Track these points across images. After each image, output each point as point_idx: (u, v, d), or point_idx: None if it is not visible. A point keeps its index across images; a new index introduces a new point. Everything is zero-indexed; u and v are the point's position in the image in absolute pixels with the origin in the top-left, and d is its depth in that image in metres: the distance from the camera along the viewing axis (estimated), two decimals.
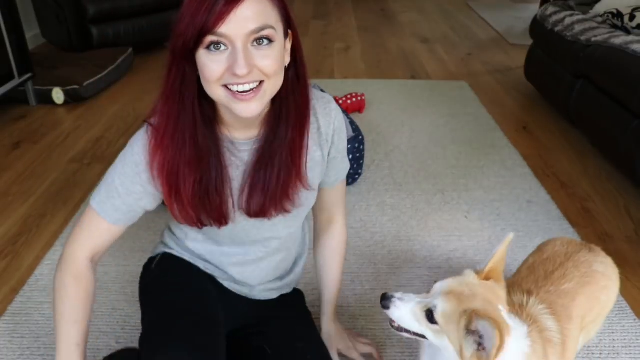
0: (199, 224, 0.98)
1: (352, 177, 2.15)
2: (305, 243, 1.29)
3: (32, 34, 3.87)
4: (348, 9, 5.43)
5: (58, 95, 2.96)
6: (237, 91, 0.83)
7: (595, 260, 1.17)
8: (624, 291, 1.57)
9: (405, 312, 0.92)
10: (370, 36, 4.44)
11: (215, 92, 0.85)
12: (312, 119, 1.02)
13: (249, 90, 0.84)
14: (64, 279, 1.02)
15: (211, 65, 0.82)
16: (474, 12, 5.20)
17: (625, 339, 1.46)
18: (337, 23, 4.88)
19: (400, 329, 0.96)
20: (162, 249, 1.19)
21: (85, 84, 2.99)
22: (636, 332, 1.48)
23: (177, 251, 1.17)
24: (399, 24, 4.86)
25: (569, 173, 2.33)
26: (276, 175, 0.97)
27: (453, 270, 1.73)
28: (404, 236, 1.89)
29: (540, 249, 1.26)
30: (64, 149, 2.52)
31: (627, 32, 2.46)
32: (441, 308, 0.88)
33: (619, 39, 2.27)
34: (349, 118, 2.26)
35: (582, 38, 2.49)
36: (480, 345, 0.85)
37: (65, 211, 2.03)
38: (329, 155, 1.09)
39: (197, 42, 0.81)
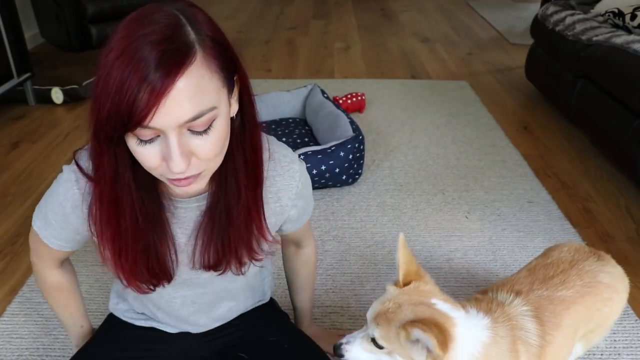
0: (148, 288, 0.90)
1: (352, 177, 2.14)
2: (265, 291, 1.20)
3: (31, 34, 3.87)
4: (348, 8, 5.42)
5: (57, 95, 2.96)
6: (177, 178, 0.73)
7: (602, 271, 1.14)
8: None
9: (357, 350, 0.96)
10: (371, 36, 4.44)
11: (154, 174, 0.75)
12: (270, 180, 0.92)
13: (189, 176, 0.73)
14: (47, 292, 1.09)
15: (144, 156, 0.70)
16: (475, 11, 5.19)
17: (626, 340, 1.46)
18: (337, 22, 4.87)
19: None
20: (111, 304, 1.17)
21: (84, 83, 2.99)
22: (637, 333, 1.48)
23: (120, 308, 1.14)
24: (399, 23, 4.86)
25: (569, 173, 2.32)
26: (234, 236, 0.87)
27: (453, 270, 1.72)
28: (405, 236, 1.88)
29: (545, 253, 1.24)
30: (63, 149, 2.52)
31: (629, 31, 2.45)
32: (377, 334, 0.91)
33: (620, 39, 2.26)
34: (349, 118, 2.26)
35: (583, 37, 2.48)
36: (428, 349, 0.87)
37: None
38: (288, 216, 1.00)
39: (122, 133, 0.68)
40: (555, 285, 1.10)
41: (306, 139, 2.39)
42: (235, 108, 0.78)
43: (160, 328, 1.10)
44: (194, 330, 1.09)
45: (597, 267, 1.15)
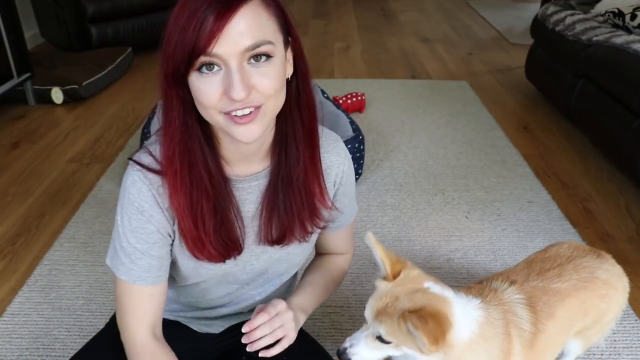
0: (222, 258, 0.89)
1: None
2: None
3: (31, 34, 3.87)
4: (348, 8, 5.42)
5: (57, 95, 2.96)
6: (236, 115, 0.75)
7: (600, 267, 1.15)
8: None
9: (364, 351, 0.96)
10: (371, 36, 4.44)
11: (213, 117, 0.77)
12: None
13: (248, 113, 0.75)
14: None
15: (205, 89, 0.74)
16: (475, 11, 5.19)
17: (626, 340, 1.46)
18: (337, 22, 4.87)
19: None
20: None
21: (84, 83, 2.99)
22: (637, 333, 1.48)
23: None
24: (399, 23, 4.86)
25: (569, 173, 2.32)
26: (297, 202, 0.89)
27: (453, 270, 1.72)
28: (405, 236, 1.89)
29: (545, 248, 1.25)
30: (63, 149, 2.52)
31: (629, 31, 2.45)
32: (383, 330, 0.91)
33: (620, 39, 2.26)
34: (349, 118, 2.26)
35: (583, 37, 2.48)
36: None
37: (64, 211, 2.02)
38: (334, 196, 0.99)
39: (188, 65, 0.72)
40: (551, 277, 1.11)
41: None
42: (290, 70, 0.82)
43: (184, 322, 1.08)
44: (212, 329, 1.08)
45: (595, 264, 1.16)
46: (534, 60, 3.02)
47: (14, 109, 2.91)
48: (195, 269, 0.92)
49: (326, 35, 4.43)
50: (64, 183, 2.22)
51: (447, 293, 0.95)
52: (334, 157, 0.96)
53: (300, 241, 0.95)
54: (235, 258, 0.91)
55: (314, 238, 1.00)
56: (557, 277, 1.11)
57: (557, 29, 2.70)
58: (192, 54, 0.71)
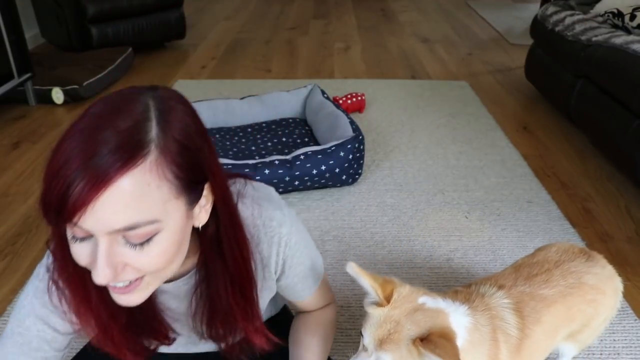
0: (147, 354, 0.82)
1: (352, 177, 2.14)
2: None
3: (32, 34, 3.87)
4: (348, 8, 5.43)
5: (57, 95, 2.96)
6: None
7: (588, 272, 1.14)
8: (624, 292, 1.56)
9: None
10: (371, 36, 4.44)
11: None
12: (253, 248, 0.82)
13: (127, 284, 0.64)
14: None
15: (75, 251, 0.62)
16: (474, 11, 5.19)
17: (625, 339, 1.46)
18: (337, 22, 4.87)
19: None
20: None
21: (84, 83, 2.99)
22: (637, 333, 1.48)
23: None
24: (399, 23, 4.86)
25: (569, 173, 2.32)
26: (227, 307, 0.79)
27: (453, 270, 1.72)
28: (404, 236, 1.89)
29: (533, 253, 1.25)
30: None
31: (628, 31, 2.46)
32: (389, 359, 0.88)
33: (620, 39, 2.27)
34: (349, 118, 2.26)
35: (583, 38, 2.49)
36: None
37: None
38: (278, 280, 0.91)
39: (54, 224, 0.61)
40: (538, 283, 1.10)
41: (306, 139, 2.39)
42: (203, 218, 0.69)
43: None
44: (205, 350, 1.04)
45: (584, 269, 1.15)
46: (533, 61, 3.03)
47: (15, 109, 2.92)
48: None
49: (326, 35, 4.43)
50: None
51: (441, 304, 0.94)
52: (273, 249, 0.84)
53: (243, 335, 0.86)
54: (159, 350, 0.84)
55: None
56: (545, 282, 1.11)
57: (557, 29, 2.70)
58: (59, 217, 0.58)
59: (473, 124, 2.77)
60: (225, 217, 0.72)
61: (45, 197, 0.58)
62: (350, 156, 2.07)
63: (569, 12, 2.75)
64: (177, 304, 0.83)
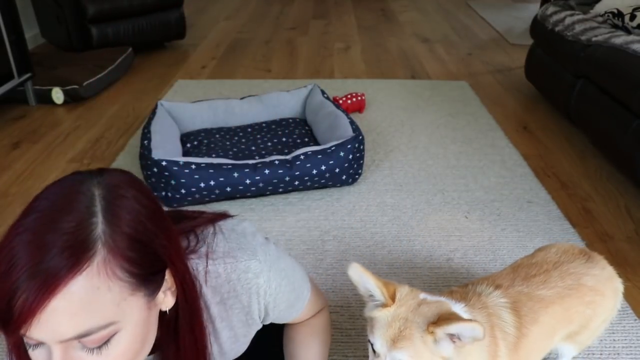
0: None
1: (352, 177, 2.14)
2: None
3: (32, 34, 3.87)
4: (348, 8, 5.43)
5: (57, 95, 2.96)
6: None
7: (587, 273, 1.14)
8: (624, 292, 1.57)
9: None
10: (371, 36, 4.44)
11: None
12: (232, 300, 0.81)
13: None
14: None
15: (32, 356, 0.59)
16: (474, 11, 5.19)
17: (625, 339, 1.46)
18: (336, 22, 4.87)
19: None
20: None
21: (84, 83, 2.99)
22: (637, 333, 1.48)
23: None
24: (399, 23, 4.86)
25: (569, 173, 2.33)
26: None
27: (453, 270, 1.73)
28: (404, 236, 1.89)
29: (533, 253, 1.25)
30: (63, 149, 2.52)
31: (628, 31, 2.46)
32: (406, 355, 0.87)
33: (620, 39, 2.27)
34: (349, 118, 2.26)
35: (583, 38, 2.49)
36: (454, 340, 0.87)
37: None
38: (263, 321, 0.89)
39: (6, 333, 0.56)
40: (536, 283, 1.11)
41: (306, 139, 2.39)
42: (170, 301, 0.66)
43: None
44: None
45: (582, 270, 1.15)
46: (533, 61, 3.03)
47: (15, 109, 2.92)
48: None
49: (326, 35, 4.43)
50: None
51: (441, 298, 0.95)
52: (253, 298, 0.82)
53: None
54: None
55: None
56: (542, 283, 1.11)
57: (557, 29, 2.71)
58: (6, 327, 0.54)
59: (473, 124, 2.77)
60: (184, 305, 0.68)
61: None
62: (350, 156, 2.07)
63: (569, 12, 2.75)
64: None
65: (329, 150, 2.05)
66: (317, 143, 2.33)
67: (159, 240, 0.61)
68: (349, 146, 2.07)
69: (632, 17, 2.44)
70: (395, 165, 2.36)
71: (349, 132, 2.14)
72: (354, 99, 2.83)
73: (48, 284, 0.52)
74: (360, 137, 2.13)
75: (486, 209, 2.05)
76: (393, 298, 0.92)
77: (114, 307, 0.56)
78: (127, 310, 0.58)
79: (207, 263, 0.76)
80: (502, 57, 3.86)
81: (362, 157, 2.15)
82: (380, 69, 3.64)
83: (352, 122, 2.22)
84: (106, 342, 0.57)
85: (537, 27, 2.94)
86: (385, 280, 0.95)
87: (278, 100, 2.61)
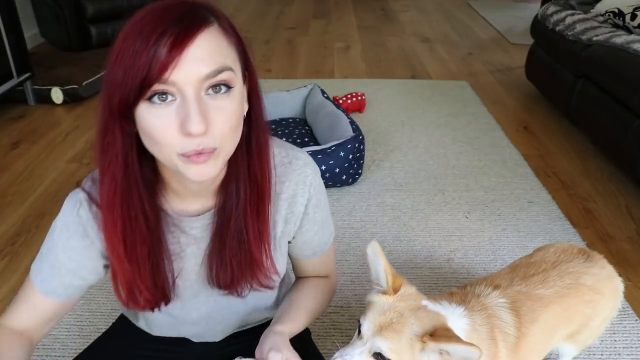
0: (151, 306, 0.85)
1: (352, 177, 2.14)
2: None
3: (31, 34, 3.86)
4: (348, 8, 5.42)
5: (57, 95, 2.96)
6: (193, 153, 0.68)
7: (586, 273, 1.14)
8: (625, 292, 1.56)
9: None
10: (371, 35, 4.44)
11: (168, 157, 0.69)
12: (279, 185, 0.86)
13: (203, 153, 0.68)
14: None
15: (158, 123, 0.66)
16: (475, 11, 5.19)
17: (626, 340, 1.46)
18: (337, 22, 4.87)
19: None
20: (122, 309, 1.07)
21: (84, 83, 2.99)
22: (637, 333, 1.48)
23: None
24: (399, 23, 4.85)
25: (570, 173, 2.32)
26: (244, 250, 0.83)
27: (453, 270, 1.72)
28: (404, 236, 1.89)
29: (532, 253, 1.25)
30: (62, 149, 2.52)
31: (629, 31, 2.45)
32: (386, 346, 0.87)
33: (620, 39, 2.26)
34: (349, 118, 2.26)
35: (583, 37, 2.48)
36: (442, 353, 0.85)
37: None
38: (300, 227, 0.92)
39: (138, 94, 0.65)
40: (534, 283, 1.10)
41: (306, 139, 2.39)
42: (246, 106, 0.76)
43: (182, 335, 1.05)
44: (212, 339, 1.04)
45: (581, 269, 1.14)
46: (534, 60, 3.02)
47: (14, 109, 2.91)
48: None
49: (326, 35, 4.43)
50: (64, 183, 2.22)
51: (441, 309, 0.94)
52: (300, 187, 0.88)
53: (250, 289, 0.89)
54: (159, 309, 0.87)
55: (273, 283, 0.93)
56: (541, 283, 1.10)
57: (557, 28, 2.70)
58: (145, 80, 0.64)
59: (473, 123, 2.77)
60: (257, 112, 0.78)
61: (128, 71, 0.64)
62: (350, 156, 2.07)
63: (569, 12, 2.75)
64: (192, 247, 0.85)
65: (329, 150, 2.04)
66: (317, 143, 2.33)
67: (246, 48, 0.74)
68: (349, 146, 2.06)
69: (633, 16, 2.43)
70: (395, 165, 2.36)
71: (349, 132, 2.14)
72: (354, 99, 2.83)
73: (189, 29, 0.65)
74: (360, 137, 2.13)
75: (486, 209, 2.04)
76: (396, 290, 0.92)
77: (232, 60, 0.69)
78: (237, 72, 0.70)
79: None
80: (503, 56, 3.85)
81: (362, 157, 2.15)
82: (381, 69, 3.63)
83: (352, 122, 2.21)
84: (227, 90, 0.68)
85: (538, 26, 2.94)
86: (397, 274, 0.95)
87: (278, 100, 2.60)
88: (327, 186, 2.12)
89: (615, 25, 2.54)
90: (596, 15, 2.66)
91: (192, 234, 0.84)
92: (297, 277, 1.07)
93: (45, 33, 3.89)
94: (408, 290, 0.93)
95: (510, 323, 1.03)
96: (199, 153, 0.67)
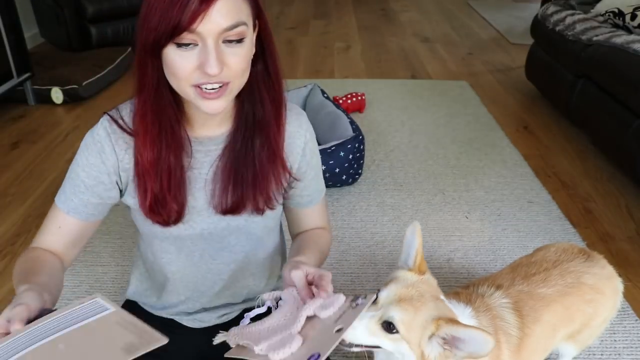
0: (172, 220, 0.95)
1: (352, 177, 2.14)
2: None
3: (31, 34, 3.87)
4: (348, 8, 5.42)
5: (57, 95, 2.96)
6: (206, 89, 0.82)
7: (587, 272, 1.14)
8: (625, 292, 1.56)
9: (360, 330, 0.89)
10: (371, 35, 4.44)
11: (183, 89, 0.84)
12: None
13: (217, 89, 0.83)
14: (28, 260, 0.91)
15: (181, 62, 0.80)
16: (475, 11, 5.19)
17: (626, 340, 1.46)
18: (337, 22, 4.87)
19: (351, 345, 0.92)
20: (128, 292, 1.15)
21: (84, 83, 2.99)
22: (637, 333, 1.48)
23: (141, 295, 1.13)
24: (399, 23, 4.86)
25: (569, 173, 2.32)
26: (254, 170, 0.94)
27: (453, 270, 1.72)
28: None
29: (532, 252, 1.25)
30: (62, 149, 2.52)
31: (629, 31, 2.45)
32: (399, 317, 0.86)
33: (620, 39, 2.26)
34: (349, 118, 2.26)
35: (583, 37, 2.48)
36: (445, 343, 0.85)
37: None
38: (298, 168, 1.02)
39: (168, 40, 0.79)
40: (536, 282, 1.10)
41: None
42: (253, 49, 0.87)
43: (177, 319, 1.11)
44: (208, 318, 1.09)
45: (582, 268, 1.15)
46: (534, 60, 3.02)
47: (14, 109, 2.91)
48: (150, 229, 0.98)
49: (326, 35, 4.43)
50: None
51: (454, 309, 0.94)
52: (297, 129, 1.00)
53: (258, 211, 0.98)
54: (176, 224, 0.95)
55: (275, 214, 1.03)
56: (543, 282, 1.10)
57: (558, 28, 2.70)
58: (176, 29, 0.77)
59: (473, 124, 2.76)
60: (271, 52, 0.90)
61: (162, 19, 0.77)
62: (350, 156, 2.07)
63: (569, 12, 2.75)
64: (205, 169, 0.96)
65: (329, 150, 2.04)
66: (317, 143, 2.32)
67: (259, 3, 0.85)
68: (349, 146, 2.06)
69: (633, 16, 2.43)
70: (395, 165, 2.36)
71: (349, 132, 2.13)
72: (354, 99, 2.83)
73: None
74: (361, 137, 2.13)
75: (486, 209, 2.04)
76: (422, 272, 0.94)
77: (247, 15, 0.82)
78: (250, 25, 0.82)
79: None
80: (503, 56, 3.85)
81: (362, 157, 2.15)
82: (381, 69, 3.63)
83: (352, 122, 2.21)
84: (240, 40, 0.81)
85: (538, 26, 2.94)
86: (423, 259, 0.96)
87: None
88: (327, 186, 2.11)
89: (615, 25, 2.54)
90: (596, 15, 2.66)
91: (202, 159, 0.95)
92: (297, 234, 1.14)
93: (45, 33, 3.89)
94: (432, 280, 0.94)
95: (513, 324, 1.03)
96: (213, 91, 0.82)
